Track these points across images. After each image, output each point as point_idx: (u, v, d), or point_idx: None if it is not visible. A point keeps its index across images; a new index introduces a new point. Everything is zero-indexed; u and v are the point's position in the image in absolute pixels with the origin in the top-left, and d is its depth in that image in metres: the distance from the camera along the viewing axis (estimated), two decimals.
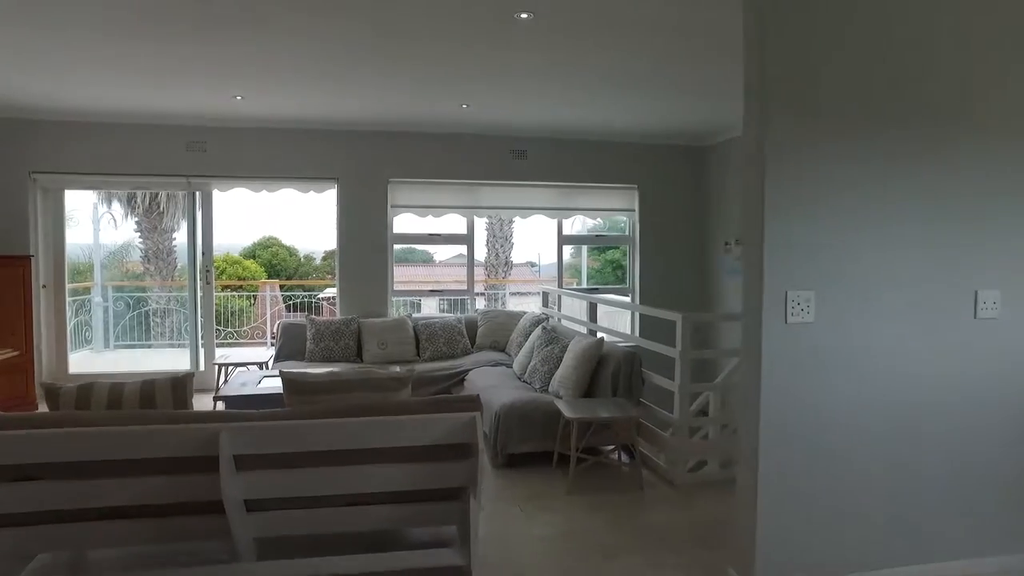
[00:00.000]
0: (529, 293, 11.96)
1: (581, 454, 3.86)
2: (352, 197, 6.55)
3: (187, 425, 2.30)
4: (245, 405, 4.13)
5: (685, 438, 3.95)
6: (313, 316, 6.54)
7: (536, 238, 15.35)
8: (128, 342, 9.84)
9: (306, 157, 6.45)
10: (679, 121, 6.26)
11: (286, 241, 17.31)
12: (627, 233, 7.44)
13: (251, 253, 16.58)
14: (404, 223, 6.85)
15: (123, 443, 2.29)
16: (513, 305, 10.58)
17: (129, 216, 11.30)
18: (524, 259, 13.54)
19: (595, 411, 3.91)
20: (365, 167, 6.55)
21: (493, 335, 6.26)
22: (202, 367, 6.63)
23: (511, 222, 11.94)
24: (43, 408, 5.93)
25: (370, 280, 6.60)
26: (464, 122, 6.27)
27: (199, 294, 6.62)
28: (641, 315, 7.08)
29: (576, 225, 8.38)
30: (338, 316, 6.55)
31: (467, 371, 5.57)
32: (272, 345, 9.67)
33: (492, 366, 5.64)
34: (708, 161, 7.22)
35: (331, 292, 11.51)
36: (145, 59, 4.33)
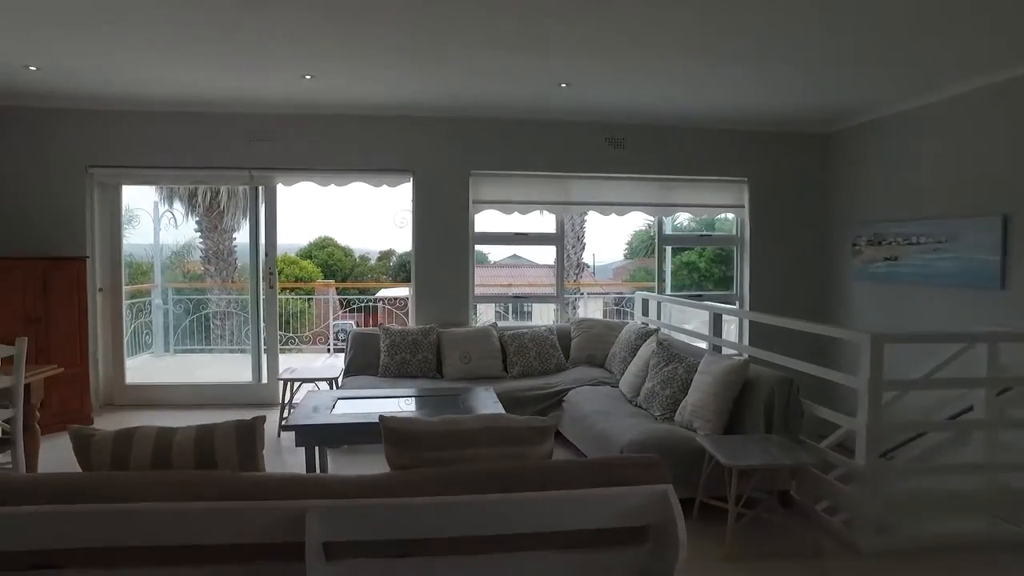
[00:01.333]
0: (595, 295, 11.10)
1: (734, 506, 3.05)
2: (430, 192, 5.86)
3: (261, 503, 1.61)
4: (320, 436, 3.47)
5: (877, 491, 3.10)
6: (387, 325, 5.88)
7: (596, 237, 14.33)
8: (188, 346, 9.44)
9: (379, 147, 5.79)
10: (804, 103, 5.33)
11: (341, 241, 16.99)
12: (735, 232, 6.54)
13: (307, 253, 16.27)
14: (485, 221, 6.13)
15: (173, 525, 1.61)
16: (590, 311, 9.76)
17: (190, 215, 10.95)
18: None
19: (757, 455, 3.08)
20: (444, 158, 5.85)
21: (589, 348, 5.47)
22: (265, 379, 6.05)
23: (584, 220, 11.05)
24: (98, 424, 5.43)
25: (449, 284, 5.89)
26: (556, 107, 5.50)
27: (261, 297, 6.04)
28: (751, 326, 6.19)
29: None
30: (412, 324, 5.88)
31: (565, 391, 4.80)
32: (336, 351, 9.19)
33: (593, 385, 4.85)
34: (832, 150, 6.27)
35: (385, 293, 10.94)
36: (208, 34, 3.78)
